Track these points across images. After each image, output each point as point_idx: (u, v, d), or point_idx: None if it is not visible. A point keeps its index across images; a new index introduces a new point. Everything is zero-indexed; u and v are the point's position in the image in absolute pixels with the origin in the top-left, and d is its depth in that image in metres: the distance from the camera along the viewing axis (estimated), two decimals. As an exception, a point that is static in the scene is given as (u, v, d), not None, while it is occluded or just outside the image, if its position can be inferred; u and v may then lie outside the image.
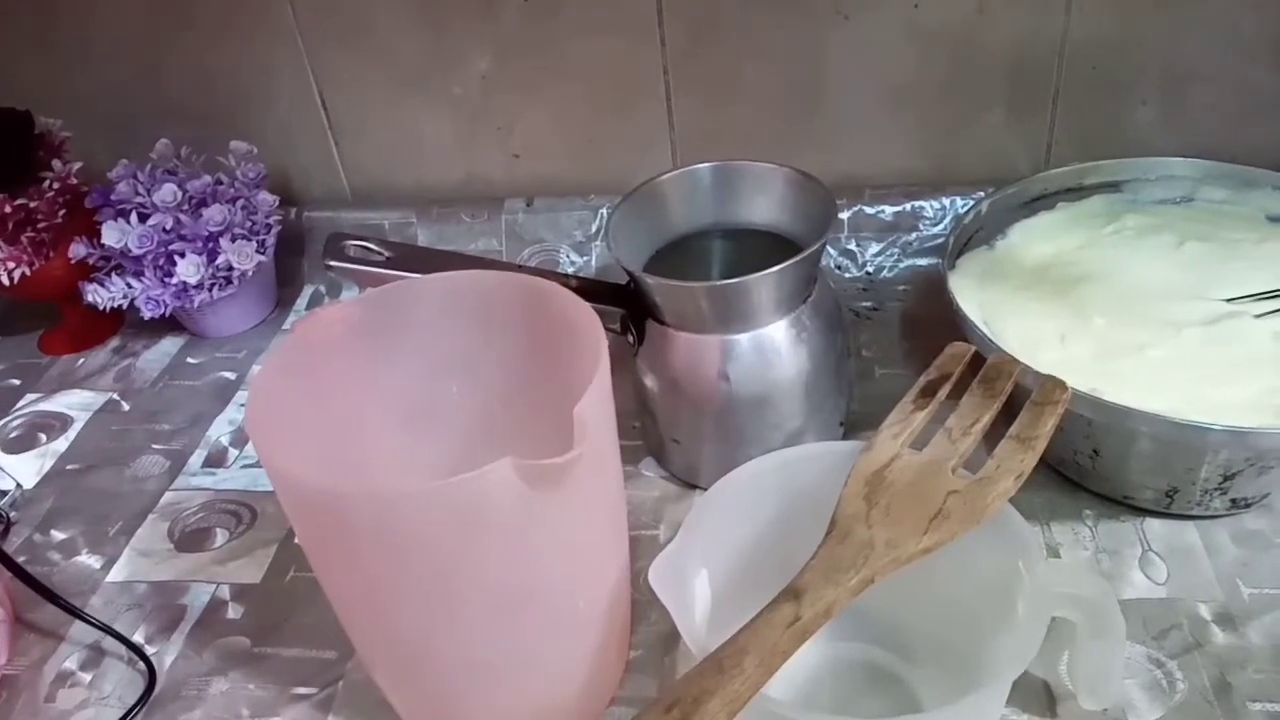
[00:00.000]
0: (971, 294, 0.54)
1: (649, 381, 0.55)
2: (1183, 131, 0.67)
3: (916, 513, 0.39)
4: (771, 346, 0.52)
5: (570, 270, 0.74)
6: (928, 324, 0.66)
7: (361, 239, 0.52)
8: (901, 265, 0.71)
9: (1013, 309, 0.53)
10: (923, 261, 0.71)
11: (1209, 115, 0.67)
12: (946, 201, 0.71)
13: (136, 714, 0.47)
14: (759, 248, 0.54)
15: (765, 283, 0.50)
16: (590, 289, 0.54)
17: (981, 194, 0.62)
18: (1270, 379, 0.47)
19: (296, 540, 0.56)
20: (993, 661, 0.40)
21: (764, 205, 0.56)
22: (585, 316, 0.41)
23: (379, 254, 0.52)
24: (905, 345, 0.66)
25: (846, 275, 0.72)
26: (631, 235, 0.54)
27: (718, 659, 0.34)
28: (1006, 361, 0.45)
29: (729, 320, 0.51)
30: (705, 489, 0.56)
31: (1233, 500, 0.50)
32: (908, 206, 0.71)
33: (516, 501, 0.35)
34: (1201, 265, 0.54)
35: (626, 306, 0.54)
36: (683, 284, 0.51)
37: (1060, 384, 0.43)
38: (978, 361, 0.46)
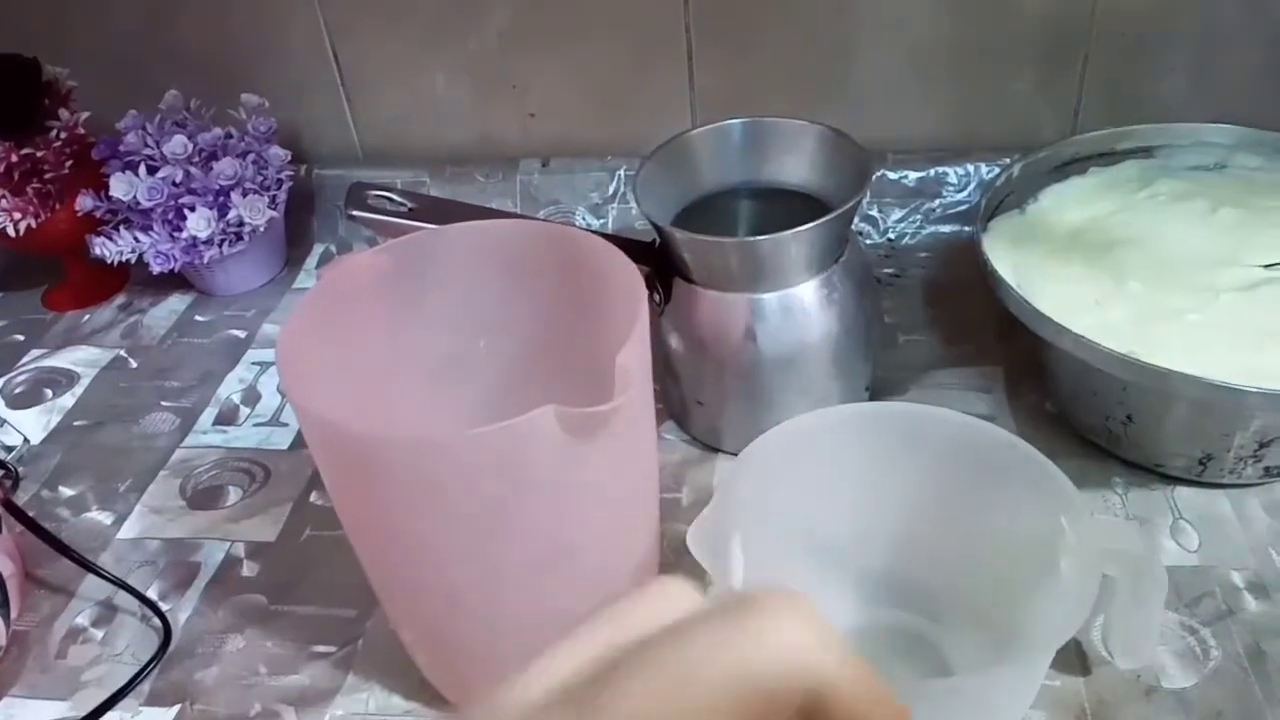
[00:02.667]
0: (1004, 257, 0.53)
1: (673, 342, 0.54)
2: (1212, 99, 0.66)
3: None
4: (800, 307, 0.51)
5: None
6: (951, 291, 0.66)
7: (384, 189, 0.51)
8: (924, 232, 0.70)
9: (1046, 273, 0.52)
10: (946, 229, 0.70)
11: (1239, 83, 0.66)
12: (971, 168, 0.70)
13: (152, 669, 0.46)
14: (788, 207, 0.53)
15: (798, 240, 0.49)
16: (615, 245, 0.53)
17: (1007, 160, 0.61)
18: (1310, 344, 0.47)
19: (314, 498, 0.55)
20: (1033, 623, 0.39)
21: (794, 164, 0.55)
22: (622, 266, 0.40)
23: (401, 205, 0.50)
24: (929, 312, 0.65)
25: (868, 241, 0.70)
26: (658, 191, 0.53)
27: None
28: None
29: (758, 278, 0.50)
30: (728, 452, 0.55)
31: (1266, 469, 0.49)
32: (931, 172, 0.70)
33: (557, 451, 0.34)
34: (1236, 231, 0.53)
35: (652, 264, 0.53)
36: (713, 239, 0.50)
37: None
38: None
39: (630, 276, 0.40)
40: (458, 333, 0.46)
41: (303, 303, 0.40)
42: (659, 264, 0.53)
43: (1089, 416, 0.52)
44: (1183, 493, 0.51)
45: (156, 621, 0.49)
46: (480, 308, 0.45)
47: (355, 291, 0.42)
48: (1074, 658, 0.43)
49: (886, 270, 0.68)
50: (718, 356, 0.52)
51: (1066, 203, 0.58)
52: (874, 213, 0.71)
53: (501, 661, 0.42)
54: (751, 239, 0.50)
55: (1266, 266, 0.51)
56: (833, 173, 0.54)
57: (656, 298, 0.53)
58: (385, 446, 0.34)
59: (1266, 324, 0.48)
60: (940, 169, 0.70)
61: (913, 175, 0.70)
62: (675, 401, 0.57)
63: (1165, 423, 0.48)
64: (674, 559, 0.48)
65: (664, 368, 0.55)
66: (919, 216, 0.71)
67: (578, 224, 0.73)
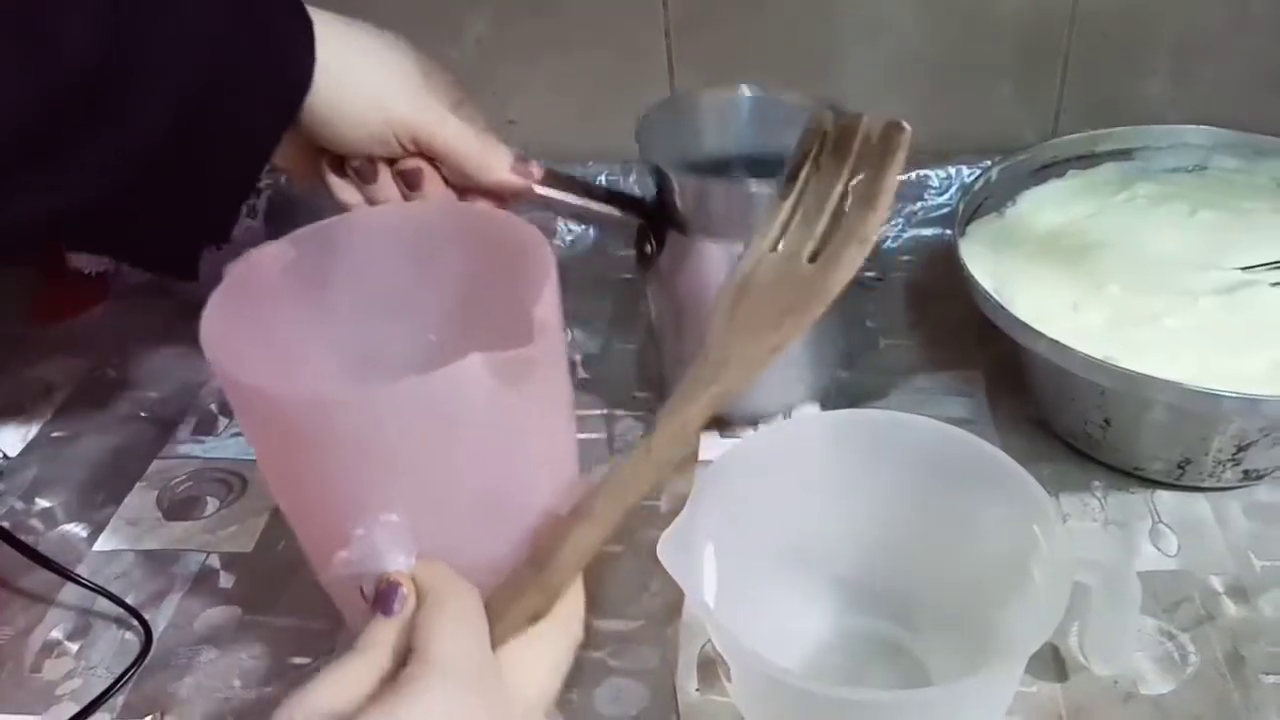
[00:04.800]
0: (982, 261, 0.53)
1: (661, 299, 0.54)
2: (1193, 101, 0.66)
3: (770, 313, 0.35)
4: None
5: (569, 240, 0.73)
6: (933, 295, 0.65)
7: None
8: (906, 235, 0.70)
9: (1024, 277, 0.52)
10: (927, 232, 0.70)
11: (1218, 85, 0.66)
12: (952, 170, 0.70)
13: (130, 678, 0.46)
14: None
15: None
16: (611, 197, 0.54)
17: (988, 163, 0.61)
18: (1286, 348, 0.47)
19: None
20: (1008, 631, 0.39)
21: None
22: (530, 234, 0.41)
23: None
24: (910, 316, 0.65)
25: (850, 246, 0.70)
26: (660, 141, 0.53)
27: (574, 508, 0.34)
28: (852, 119, 0.35)
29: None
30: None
31: (1245, 472, 0.49)
32: (913, 176, 0.70)
33: (486, 398, 0.34)
34: (1215, 234, 0.54)
35: (645, 215, 0.53)
36: (717, 181, 0.51)
37: (898, 126, 0.34)
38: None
39: (538, 244, 0.40)
40: (373, 320, 0.45)
41: (214, 300, 0.39)
42: (653, 215, 0.53)
43: (1068, 420, 0.52)
44: (1162, 496, 0.51)
45: (131, 635, 0.48)
46: (393, 293, 0.44)
47: (264, 286, 0.41)
48: (1051, 664, 0.43)
49: (868, 274, 0.68)
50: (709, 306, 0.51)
51: (1045, 206, 0.58)
52: (856, 216, 0.71)
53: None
54: (753, 184, 0.49)
55: (1244, 269, 0.51)
56: None
57: (648, 247, 0.53)
58: (318, 406, 0.34)
59: (1244, 327, 0.48)
60: (921, 172, 0.70)
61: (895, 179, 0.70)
62: (654, 371, 0.56)
63: (1143, 427, 0.48)
64: (649, 569, 0.48)
65: (647, 337, 0.55)
66: (900, 220, 0.70)
67: (559, 229, 0.73)
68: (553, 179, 0.51)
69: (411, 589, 0.31)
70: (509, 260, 0.41)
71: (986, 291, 0.49)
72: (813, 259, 0.35)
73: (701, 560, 0.40)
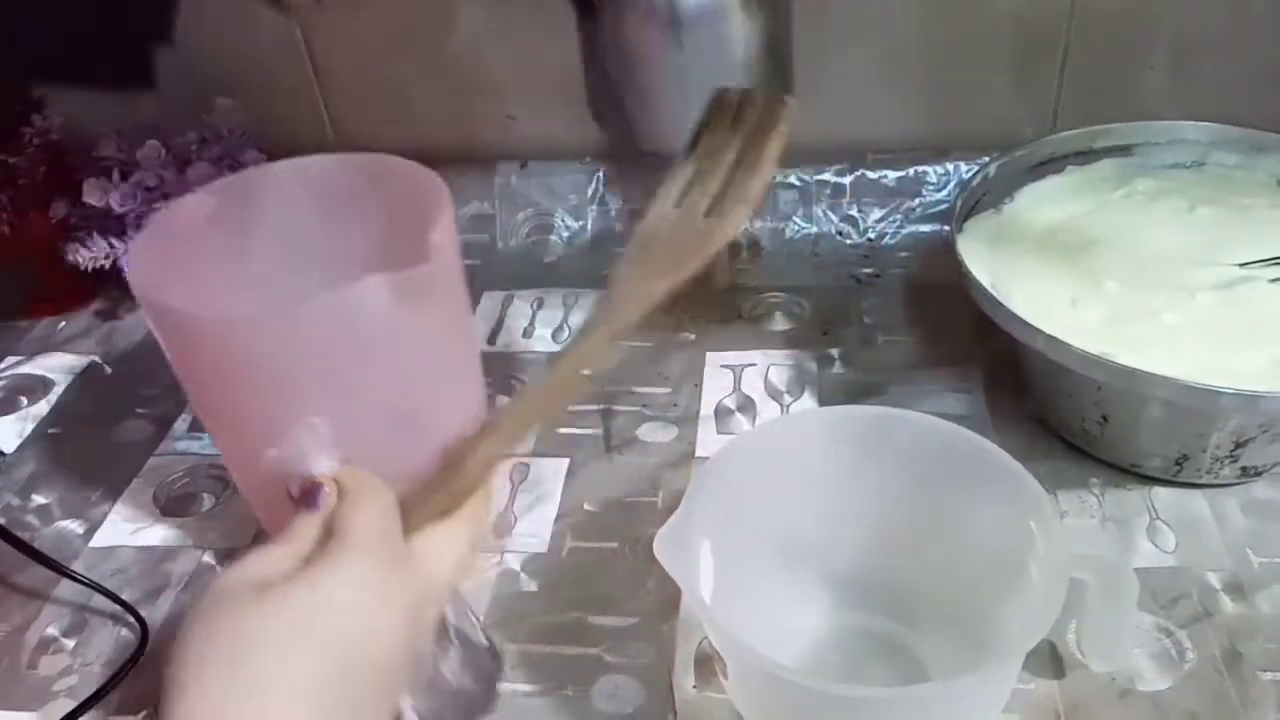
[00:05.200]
0: (979, 257, 0.52)
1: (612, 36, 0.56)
2: (1192, 97, 0.66)
3: (666, 260, 0.39)
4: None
5: (566, 236, 0.73)
6: (931, 291, 0.65)
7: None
8: (904, 232, 0.70)
9: (1022, 273, 0.52)
10: (925, 228, 0.70)
11: (1217, 81, 0.66)
12: (950, 167, 0.69)
13: (126, 674, 0.46)
14: None
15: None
16: None
17: (986, 159, 0.61)
18: (1284, 345, 0.46)
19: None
20: (1005, 627, 0.39)
21: None
22: (428, 177, 0.44)
23: None
24: (908, 313, 0.65)
25: (848, 242, 0.70)
26: None
27: (483, 423, 0.37)
28: (746, 95, 0.42)
29: None
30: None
31: (1243, 469, 0.49)
32: (911, 172, 0.70)
33: (388, 316, 0.38)
34: (1213, 230, 0.53)
35: None
36: None
37: (781, 100, 0.41)
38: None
39: (436, 185, 0.44)
40: (289, 268, 0.47)
41: (139, 240, 0.43)
42: None
43: (1065, 417, 0.52)
44: (1160, 493, 0.51)
45: (127, 632, 0.48)
46: (307, 242, 0.48)
47: (188, 231, 0.44)
48: (1048, 661, 0.43)
49: (866, 270, 0.68)
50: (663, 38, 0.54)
51: (1043, 202, 0.58)
52: (853, 212, 0.71)
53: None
54: None
55: (1242, 265, 0.51)
56: None
57: None
58: (231, 325, 0.38)
59: (1242, 323, 0.48)
60: (920, 168, 0.70)
61: (892, 175, 0.70)
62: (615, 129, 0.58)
63: (1140, 423, 0.48)
64: (645, 566, 0.48)
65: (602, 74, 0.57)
66: (899, 216, 0.70)
67: (557, 225, 0.73)
68: None
69: (334, 487, 0.34)
70: (411, 202, 0.44)
71: (984, 287, 0.49)
72: (707, 216, 0.39)
73: (698, 557, 0.40)
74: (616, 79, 0.59)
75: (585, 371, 0.38)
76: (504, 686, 0.45)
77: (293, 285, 0.47)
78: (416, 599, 0.33)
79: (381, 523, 0.33)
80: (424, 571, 0.34)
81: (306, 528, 0.33)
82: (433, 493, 0.35)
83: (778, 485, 0.43)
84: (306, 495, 0.34)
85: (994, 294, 0.49)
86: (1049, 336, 0.46)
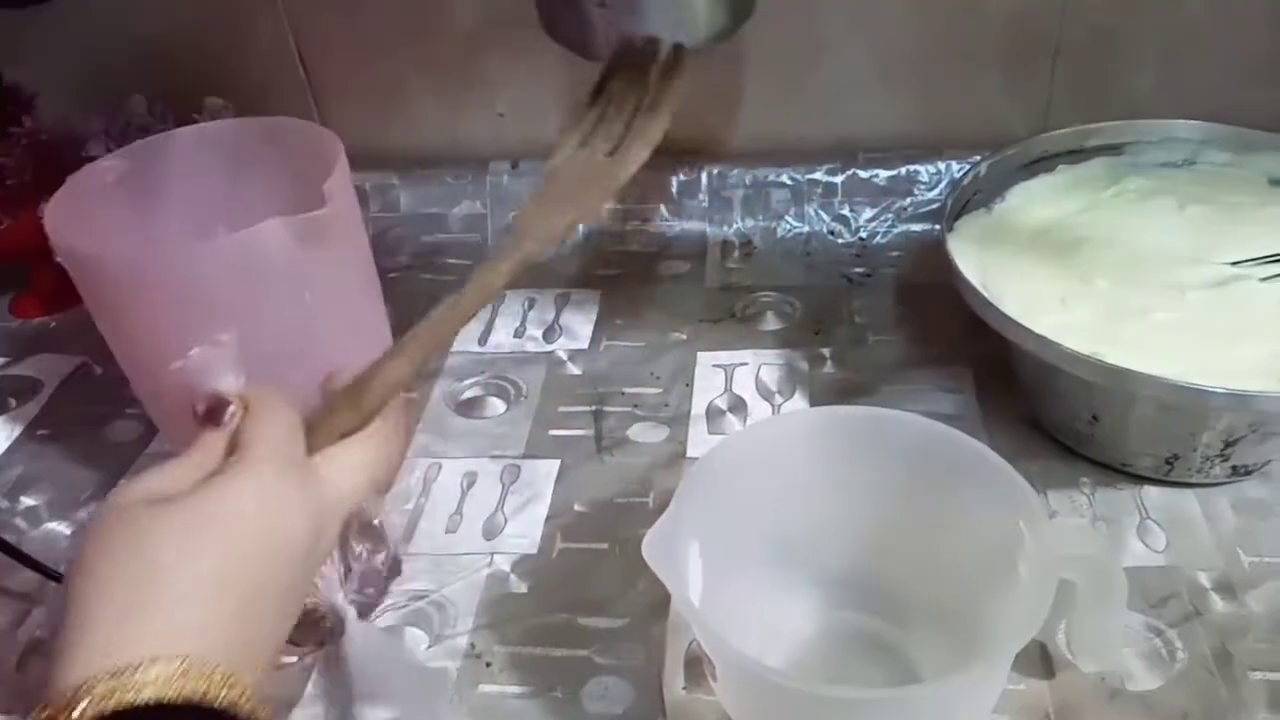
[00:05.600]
0: (970, 256, 0.52)
1: None
2: (1182, 96, 0.66)
3: (570, 195, 0.41)
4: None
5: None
6: (922, 291, 0.65)
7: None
8: (895, 231, 0.70)
9: (1012, 271, 0.52)
10: (917, 227, 0.70)
11: (1208, 79, 0.66)
12: (942, 166, 0.69)
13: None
14: None
15: None
16: None
17: (978, 158, 0.61)
18: (1275, 343, 0.46)
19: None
20: (994, 627, 0.39)
21: None
22: (323, 135, 0.48)
23: None
24: (899, 312, 0.65)
25: (839, 241, 0.70)
26: None
27: (388, 349, 0.38)
28: (650, 43, 0.45)
29: None
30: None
31: (1233, 467, 0.49)
32: (903, 171, 0.70)
33: (288, 257, 0.42)
34: (1204, 228, 0.53)
35: None
36: None
37: (682, 49, 0.45)
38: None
39: (331, 140, 0.48)
40: (198, 229, 0.51)
41: (54, 199, 0.46)
42: None
43: (1056, 417, 0.52)
44: (1150, 492, 0.51)
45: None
46: (214, 204, 0.51)
47: (100, 192, 0.48)
48: (1038, 661, 0.43)
49: (857, 270, 0.68)
50: None
51: (1034, 201, 0.58)
52: (845, 212, 0.70)
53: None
54: None
55: (1234, 264, 0.50)
56: None
57: None
58: (139, 264, 0.42)
59: (1234, 322, 0.48)
60: (911, 167, 0.70)
61: (883, 174, 0.70)
62: (573, 23, 0.53)
63: (1131, 423, 0.48)
64: (636, 567, 0.48)
65: None
66: (890, 215, 0.70)
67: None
68: None
69: (240, 406, 0.35)
70: (309, 159, 0.47)
71: (974, 287, 0.49)
72: (610, 155, 0.42)
73: (686, 558, 0.40)
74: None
75: (489, 299, 0.40)
76: (492, 689, 0.45)
77: (200, 237, 0.51)
78: (318, 509, 0.33)
79: (284, 436, 0.34)
80: (328, 486, 0.34)
81: (211, 445, 0.34)
82: (337, 412, 0.36)
83: (768, 486, 0.43)
84: (211, 412, 0.34)
85: (984, 293, 0.49)
86: (1039, 336, 0.46)
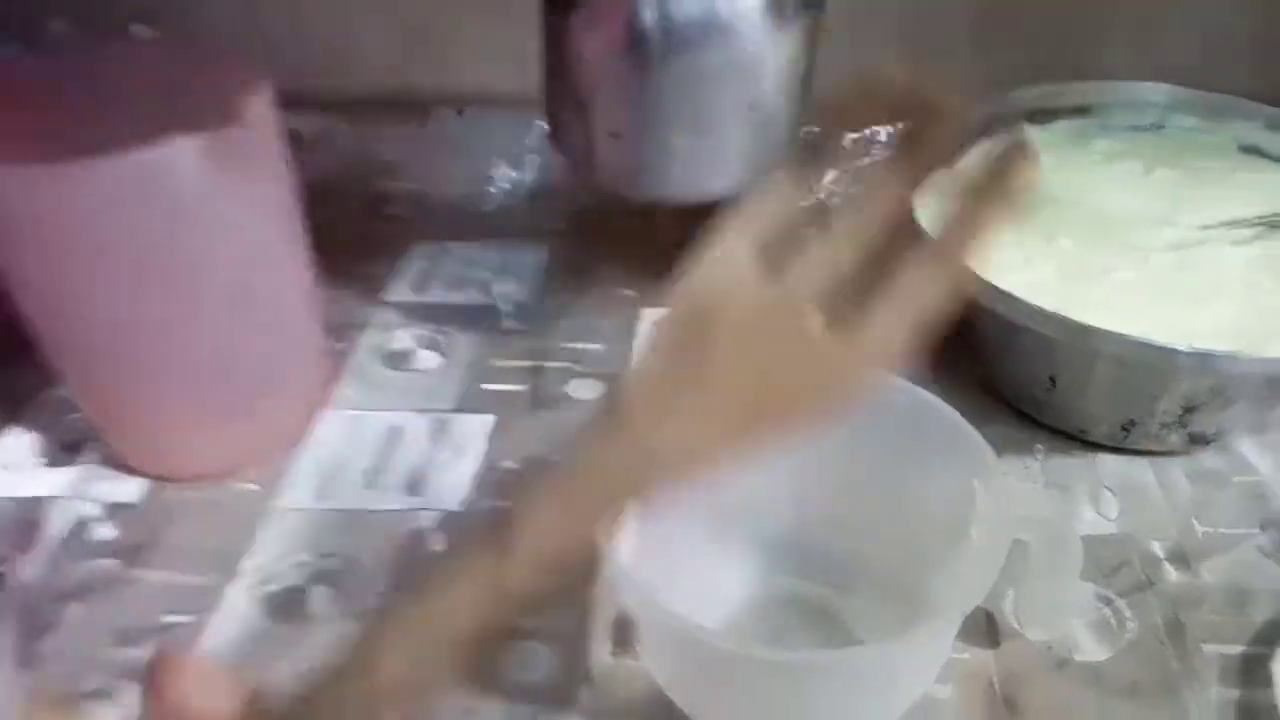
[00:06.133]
0: (931, 213, 0.50)
1: (589, 46, 0.45)
2: (1151, 58, 0.64)
3: (741, 390, 0.22)
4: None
5: (505, 187, 0.69)
6: (879, 253, 0.63)
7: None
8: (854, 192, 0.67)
9: (972, 228, 0.50)
10: (876, 190, 0.67)
11: (1178, 42, 0.64)
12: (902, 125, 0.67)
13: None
14: None
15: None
16: None
17: (941, 117, 0.58)
18: (1241, 306, 0.45)
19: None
20: (942, 594, 0.37)
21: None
22: (241, 58, 0.45)
23: None
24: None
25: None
26: None
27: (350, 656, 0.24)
28: (939, 97, 0.24)
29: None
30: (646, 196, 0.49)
31: (1191, 436, 0.47)
32: (864, 131, 0.67)
33: (197, 179, 0.40)
34: (1172, 192, 0.51)
35: None
36: None
37: (1023, 148, 0.23)
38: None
39: (249, 64, 0.45)
40: (99, 148, 0.47)
41: None
42: None
43: (1014, 381, 0.50)
44: (1105, 461, 0.49)
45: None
46: (118, 124, 0.45)
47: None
48: (984, 629, 0.41)
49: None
50: (649, 54, 0.44)
51: (997, 159, 0.55)
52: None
53: (184, 418, 0.46)
54: None
55: (1202, 228, 0.49)
56: None
57: None
58: (31, 180, 0.39)
59: (1200, 284, 0.46)
60: (873, 129, 0.67)
61: (845, 135, 0.67)
62: (580, 142, 0.48)
63: (1090, 386, 0.46)
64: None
65: (564, 102, 0.47)
66: (849, 178, 0.68)
67: (495, 175, 0.69)
68: None
69: None
70: (229, 88, 0.44)
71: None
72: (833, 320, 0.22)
73: (617, 511, 0.37)
74: (585, 99, 0.48)
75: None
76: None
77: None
78: None
79: None
80: None
81: None
82: None
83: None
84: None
85: (943, 248, 0.46)
86: (1002, 292, 0.43)
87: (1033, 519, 0.35)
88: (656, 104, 0.46)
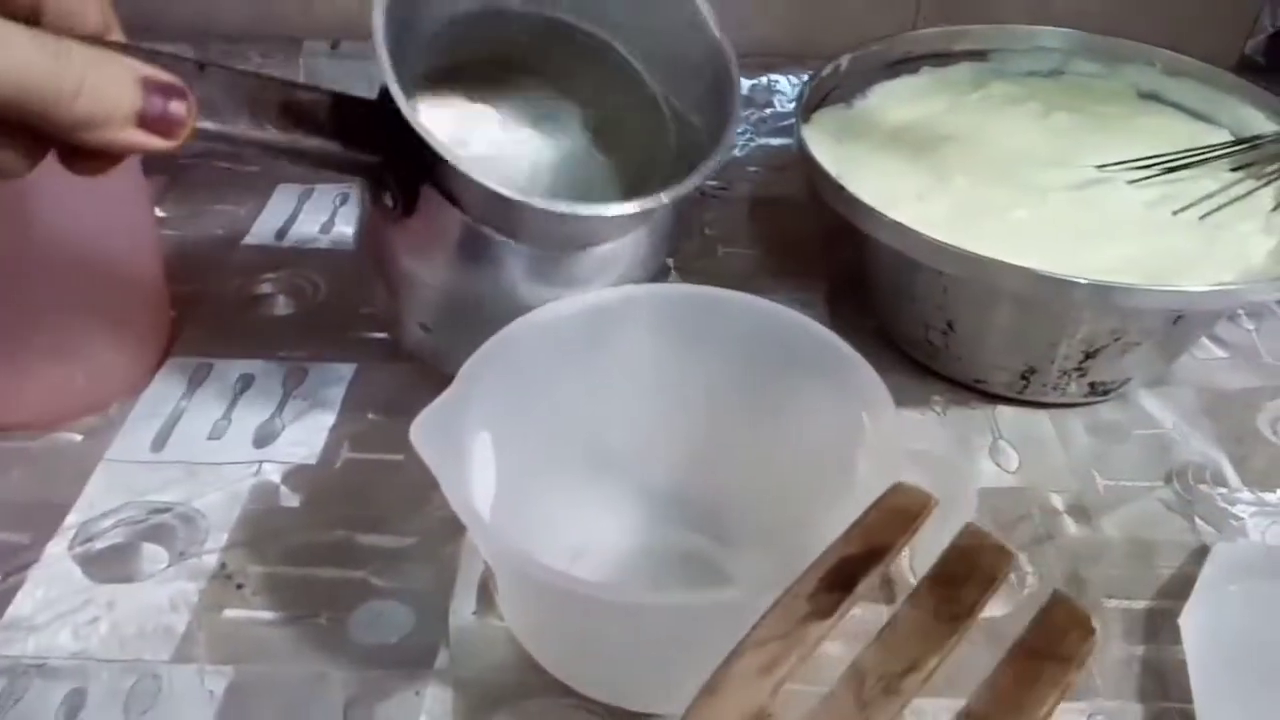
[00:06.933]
0: (825, 149, 0.47)
1: (406, 258, 0.40)
2: (1051, 6, 0.63)
3: None
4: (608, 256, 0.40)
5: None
6: (777, 206, 0.60)
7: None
8: (754, 144, 0.65)
9: (869, 167, 0.47)
10: (776, 141, 0.65)
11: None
12: (805, 76, 0.64)
13: None
14: (595, 73, 0.43)
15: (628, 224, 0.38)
16: (323, 113, 0.34)
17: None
18: (1139, 245, 0.43)
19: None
20: (828, 537, 0.34)
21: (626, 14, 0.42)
22: None
23: None
24: (752, 227, 0.59)
25: (693, 153, 0.64)
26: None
27: None
28: (988, 545, 0.25)
29: (554, 243, 0.39)
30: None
31: (1091, 385, 0.45)
32: (764, 80, 0.65)
33: None
34: (1070, 135, 0.50)
35: (382, 150, 0.35)
36: (498, 191, 0.34)
37: (1084, 621, 0.25)
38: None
39: None
40: None
41: None
42: (393, 150, 0.35)
43: (909, 327, 0.47)
44: (1004, 412, 0.47)
45: None
46: None
47: None
48: (877, 584, 0.38)
49: (711, 182, 0.62)
50: (470, 295, 0.39)
51: (896, 100, 0.53)
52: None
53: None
54: (558, 208, 0.35)
55: (1099, 167, 0.47)
56: (672, 51, 0.42)
57: (388, 200, 0.37)
58: None
59: (1097, 223, 0.44)
60: (773, 76, 0.65)
61: (744, 83, 0.64)
62: (388, 310, 0.44)
63: (987, 329, 0.44)
64: (433, 481, 0.41)
65: (374, 266, 0.42)
66: (749, 128, 0.65)
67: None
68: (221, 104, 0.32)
69: None
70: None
71: (827, 173, 0.44)
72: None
73: (471, 450, 0.33)
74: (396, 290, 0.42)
75: None
76: (240, 613, 0.37)
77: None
78: None
79: None
80: None
81: None
82: None
83: (584, 372, 0.37)
84: None
85: (840, 183, 0.44)
86: (895, 223, 0.41)
87: (924, 453, 0.33)
88: (470, 321, 0.38)
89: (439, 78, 0.43)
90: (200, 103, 0.29)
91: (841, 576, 0.24)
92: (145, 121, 0.27)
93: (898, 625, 0.24)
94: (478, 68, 0.43)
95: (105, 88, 0.25)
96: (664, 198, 0.37)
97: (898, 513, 0.26)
